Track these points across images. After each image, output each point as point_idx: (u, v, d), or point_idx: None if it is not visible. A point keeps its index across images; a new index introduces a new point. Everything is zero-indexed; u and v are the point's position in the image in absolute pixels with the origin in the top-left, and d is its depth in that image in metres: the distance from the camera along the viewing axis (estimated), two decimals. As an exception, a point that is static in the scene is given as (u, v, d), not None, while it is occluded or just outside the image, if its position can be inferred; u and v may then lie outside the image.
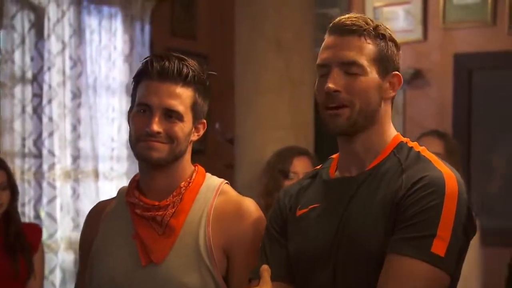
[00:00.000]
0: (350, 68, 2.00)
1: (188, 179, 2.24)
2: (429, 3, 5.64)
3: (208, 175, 2.30)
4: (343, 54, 2.00)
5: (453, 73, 5.56)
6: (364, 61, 2.00)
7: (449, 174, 1.95)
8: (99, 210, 2.35)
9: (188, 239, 2.17)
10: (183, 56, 2.23)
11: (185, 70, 2.18)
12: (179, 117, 2.18)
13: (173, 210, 2.19)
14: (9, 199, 3.73)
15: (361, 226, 1.96)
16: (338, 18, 2.06)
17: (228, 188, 2.28)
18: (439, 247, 1.87)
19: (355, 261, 1.95)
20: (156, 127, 2.15)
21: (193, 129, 2.24)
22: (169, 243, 2.17)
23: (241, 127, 4.30)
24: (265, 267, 2.03)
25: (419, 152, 2.04)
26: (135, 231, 2.21)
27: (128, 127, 2.25)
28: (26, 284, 3.71)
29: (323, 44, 2.07)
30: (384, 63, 2.04)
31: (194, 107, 2.21)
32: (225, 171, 4.69)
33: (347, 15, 2.06)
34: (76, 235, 5.00)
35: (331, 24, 2.06)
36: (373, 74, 2.02)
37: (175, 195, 2.21)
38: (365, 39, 2.01)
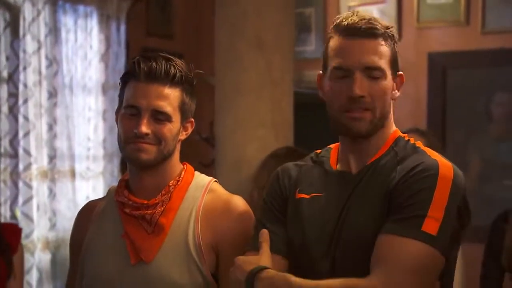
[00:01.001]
0: (373, 73, 2.03)
1: (177, 178, 2.25)
2: (403, 2, 5.67)
3: (197, 173, 2.32)
4: (367, 59, 2.02)
5: (428, 72, 5.60)
6: (385, 65, 2.04)
7: (444, 163, 2.00)
8: (89, 210, 2.36)
9: (177, 237, 2.19)
10: (170, 56, 2.23)
11: (172, 70, 2.18)
12: (167, 118, 2.19)
13: (162, 208, 2.20)
14: None
15: (360, 221, 2.00)
16: (348, 19, 2.06)
17: (216, 186, 2.29)
18: (430, 226, 1.90)
19: (354, 254, 1.99)
20: (144, 128, 2.15)
21: (181, 128, 2.25)
22: (158, 242, 2.18)
23: (221, 126, 4.31)
24: (265, 233, 2.04)
25: (414, 144, 2.09)
26: (125, 230, 2.21)
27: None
28: (6, 284, 3.68)
29: (337, 46, 2.07)
30: (395, 65, 2.08)
31: (182, 107, 2.22)
32: (202, 169, 4.68)
33: (355, 16, 2.06)
34: (53, 235, 4.98)
35: (342, 25, 2.06)
36: (389, 77, 2.06)
37: (164, 194, 2.22)
38: (382, 42, 2.04)
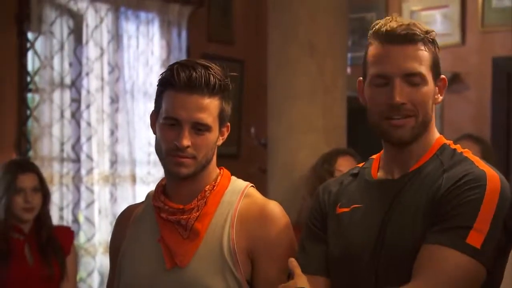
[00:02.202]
0: (413, 79, 2.00)
1: (213, 183, 2.25)
2: (467, 6, 5.60)
3: (234, 178, 2.30)
4: (407, 65, 2.00)
5: (492, 77, 5.51)
6: (425, 71, 2.01)
7: (492, 173, 1.96)
8: (128, 214, 2.37)
9: (212, 242, 2.18)
10: (208, 64, 2.19)
11: (211, 79, 2.16)
12: (207, 129, 2.18)
13: (198, 213, 2.20)
14: (41, 203, 3.78)
15: (403, 228, 1.97)
16: (386, 25, 2.02)
17: (253, 191, 2.27)
18: (475, 238, 1.88)
19: (397, 262, 1.96)
20: (186, 141, 2.15)
21: (219, 135, 2.25)
22: (193, 247, 2.18)
23: (273, 131, 4.31)
24: (293, 261, 2.03)
25: (461, 153, 2.05)
26: (161, 234, 2.22)
27: (155, 134, 2.26)
28: (60, 285, 3.76)
29: (376, 52, 2.04)
30: (436, 69, 2.05)
31: (220, 115, 2.21)
32: (260, 175, 4.70)
33: (394, 21, 2.03)
34: (114, 239, 5.05)
35: (380, 31, 2.03)
36: (431, 83, 2.03)
37: (200, 199, 2.21)
38: (422, 47, 2.01)
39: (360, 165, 2.23)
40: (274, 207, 2.23)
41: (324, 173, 3.82)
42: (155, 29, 5.45)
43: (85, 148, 4.98)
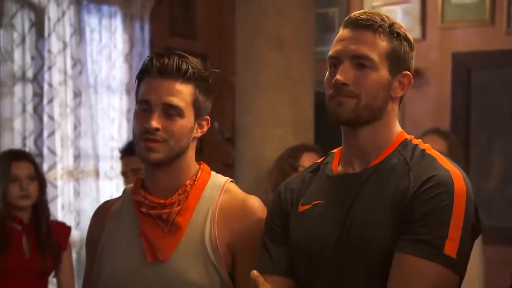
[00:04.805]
0: (361, 62, 2.01)
1: (194, 177, 2.26)
2: (427, 2, 5.66)
3: (213, 173, 2.32)
4: (355, 47, 2.01)
5: (452, 72, 5.58)
6: (375, 57, 2.01)
7: (456, 173, 1.97)
8: (105, 209, 2.37)
9: (194, 236, 2.19)
10: (185, 54, 2.24)
11: (184, 66, 2.19)
12: (179, 113, 2.19)
13: (179, 208, 2.21)
14: (38, 191, 3.77)
15: (368, 224, 1.97)
16: (354, 13, 2.08)
17: (233, 186, 2.29)
18: (451, 248, 1.89)
19: (362, 258, 1.97)
20: (155, 123, 2.16)
21: (196, 126, 2.25)
22: (175, 241, 2.19)
23: (241, 125, 4.32)
24: (254, 273, 2.00)
25: (424, 150, 2.05)
26: (141, 229, 2.22)
27: (130, 126, 2.27)
28: (57, 281, 3.79)
29: (337, 37, 2.08)
30: (396, 62, 2.03)
31: (195, 104, 2.22)
32: (226, 170, 4.71)
33: (364, 10, 2.08)
34: (78, 234, 5.02)
35: (346, 18, 2.08)
36: (383, 71, 2.02)
37: (181, 193, 2.22)
38: (379, 36, 2.01)
39: (319, 160, 2.23)
40: (255, 202, 2.25)
41: (288, 168, 3.84)
42: (117, 22, 5.41)
43: (47, 142, 4.93)
